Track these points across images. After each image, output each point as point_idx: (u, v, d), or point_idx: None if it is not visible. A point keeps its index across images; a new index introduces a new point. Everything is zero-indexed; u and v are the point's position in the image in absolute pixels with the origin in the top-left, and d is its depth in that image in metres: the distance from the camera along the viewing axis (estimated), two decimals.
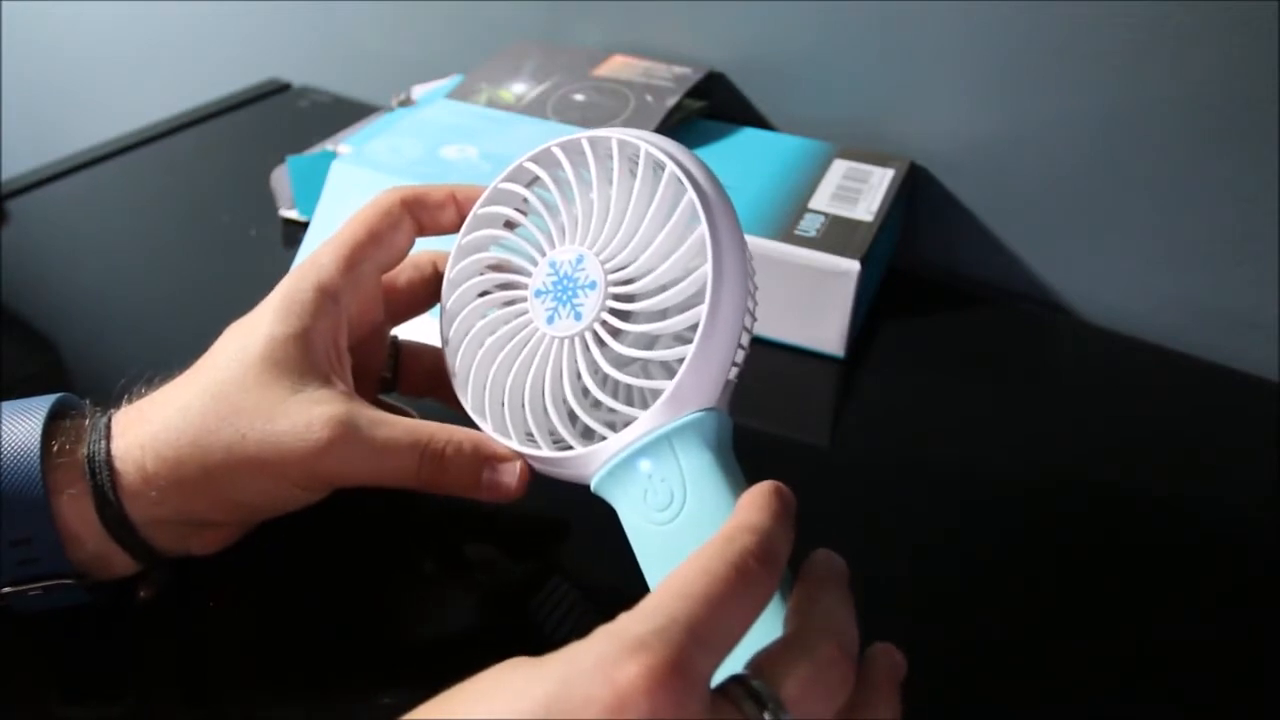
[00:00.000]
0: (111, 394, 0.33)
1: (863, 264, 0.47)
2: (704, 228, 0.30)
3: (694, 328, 0.29)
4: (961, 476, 0.43)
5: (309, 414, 0.30)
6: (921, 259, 0.60)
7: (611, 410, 0.31)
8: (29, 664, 0.33)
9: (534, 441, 0.32)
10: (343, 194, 0.53)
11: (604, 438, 0.30)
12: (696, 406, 0.29)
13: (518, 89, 0.60)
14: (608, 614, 0.23)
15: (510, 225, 0.34)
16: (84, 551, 0.31)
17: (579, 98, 0.58)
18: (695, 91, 0.59)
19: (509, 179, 0.34)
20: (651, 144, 0.31)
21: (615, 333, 0.31)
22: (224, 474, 0.30)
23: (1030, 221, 0.56)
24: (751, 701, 0.22)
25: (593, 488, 0.31)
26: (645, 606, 0.22)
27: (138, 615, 0.34)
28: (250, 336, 0.32)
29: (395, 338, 0.39)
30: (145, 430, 0.31)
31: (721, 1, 0.60)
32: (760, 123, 0.62)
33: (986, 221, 0.58)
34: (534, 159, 0.33)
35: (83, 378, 0.47)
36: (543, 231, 0.33)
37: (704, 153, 0.56)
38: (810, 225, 0.50)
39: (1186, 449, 0.45)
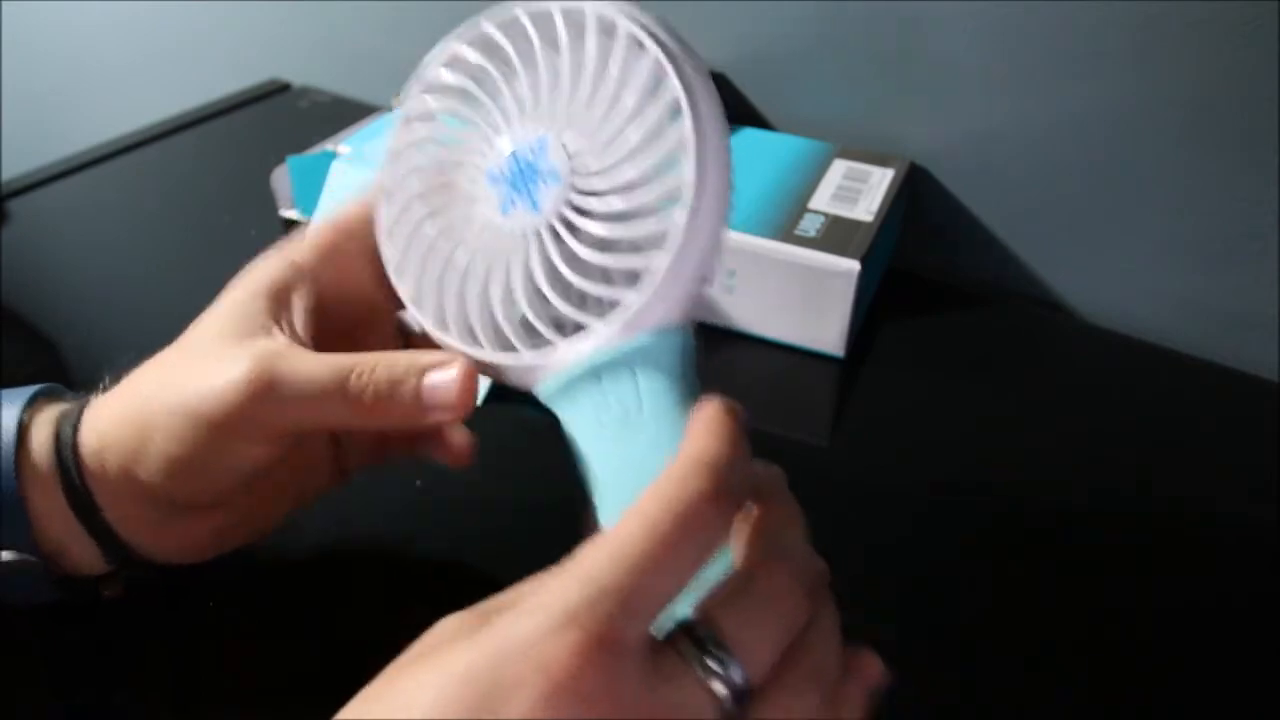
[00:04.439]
0: (102, 385, 0.33)
1: (863, 264, 0.47)
2: (687, 125, 0.26)
3: (665, 236, 0.26)
4: (961, 476, 0.43)
5: (236, 356, 0.29)
6: (921, 259, 0.60)
7: (565, 317, 0.27)
8: (13, 668, 0.33)
9: (477, 341, 0.29)
10: (343, 194, 0.52)
11: (553, 344, 0.27)
12: (661, 323, 0.27)
13: None
14: None
15: (464, 94, 0.29)
16: (50, 535, 0.30)
17: None
18: None
19: (465, 42, 0.29)
20: (632, 20, 0.27)
21: (575, 230, 0.27)
22: (159, 427, 0.29)
23: (1030, 221, 0.56)
24: (695, 648, 0.21)
25: (539, 397, 0.28)
26: (580, 569, 0.21)
27: (119, 618, 0.33)
28: (214, 304, 0.32)
29: (403, 323, 0.36)
30: (105, 405, 0.31)
31: (721, 1, 0.60)
32: (760, 123, 0.62)
33: (986, 221, 0.58)
34: (498, 25, 0.29)
35: (83, 378, 0.47)
36: (500, 106, 0.28)
37: None
38: (810, 225, 0.50)
39: (1186, 449, 0.45)
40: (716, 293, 0.51)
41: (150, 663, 0.34)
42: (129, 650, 0.34)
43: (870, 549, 0.39)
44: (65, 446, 0.30)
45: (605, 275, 0.28)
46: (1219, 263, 0.52)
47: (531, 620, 0.20)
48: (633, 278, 0.27)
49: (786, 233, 0.49)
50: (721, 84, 0.62)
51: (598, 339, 0.26)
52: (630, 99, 0.27)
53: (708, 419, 0.24)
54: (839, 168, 0.55)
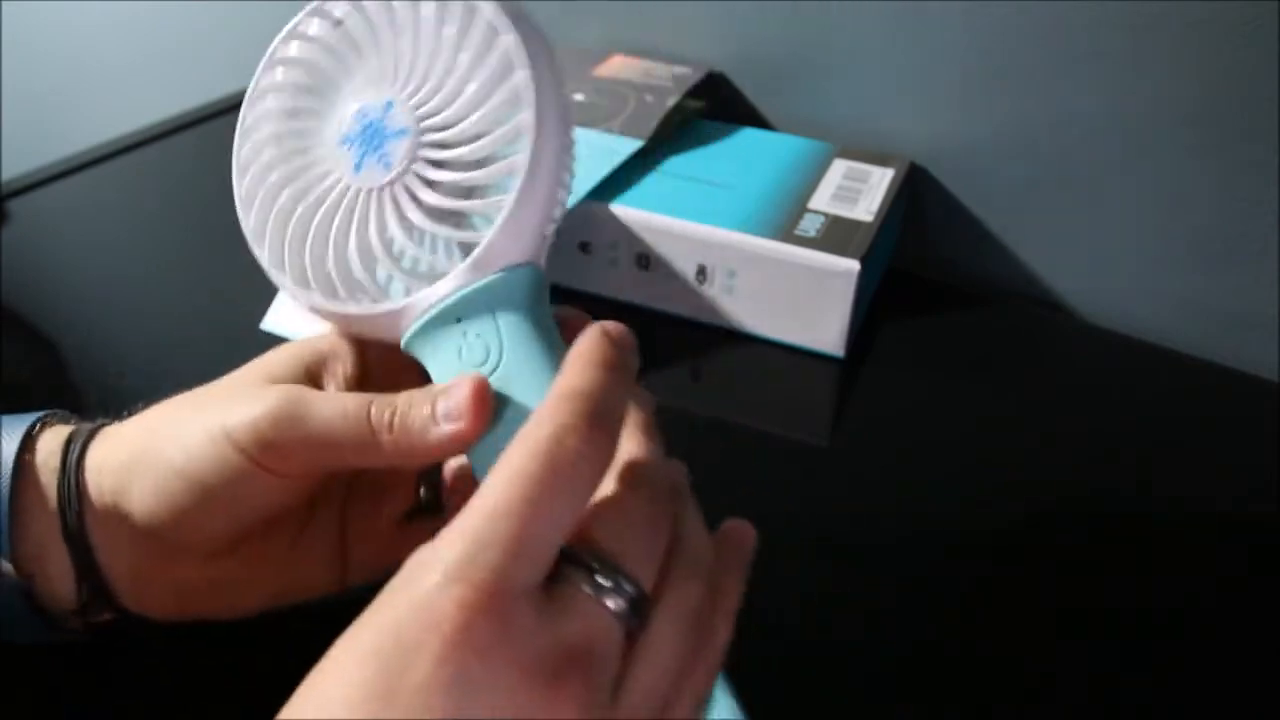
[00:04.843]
0: (109, 391, 0.33)
1: (863, 264, 0.47)
2: (522, 74, 0.28)
3: (511, 178, 0.28)
4: (961, 476, 0.43)
5: (265, 391, 0.29)
6: (921, 259, 0.60)
7: (422, 264, 0.29)
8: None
9: (338, 296, 0.30)
10: None
11: (411, 290, 0.29)
12: (513, 260, 0.28)
13: None
14: None
15: (310, 65, 0.31)
16: (29, 549, 0.29)
17: (579, 98, 0.58)
18: (695, 91, 0.59)
19: (309, 14, 0.31)
20: None
21: (426, 183, 0.29)
22: (175, 439, 0.29)
23: (1030, 221, 0.56)
24: (583, 572, 0.22)
25: (403, 345, 0.29)
26: (460, 524, 0.21)
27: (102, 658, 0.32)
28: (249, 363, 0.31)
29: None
30: (123, 425, 0.31)
31: (721, 1, 0.60)
32: (760, 123, 0.62)
33: (986, 221, 0.58)
34: None
35: (83, 378, 0.47)
36: (348, 75, 0.30)
37: (704, 153, 0.57)
38: (810, 225, 0.50)
39: (1186, 449, 0.45)
40: (716, 293, 0.51)
41: (148, 664, 0.33)
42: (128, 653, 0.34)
43: (870, 549, 0.39)
44: (73, 450, 0.30)
45: (457, 221, 0.29)
46: (1219, 263, 0.52)
47: (420, 584, 0.20)
48: (483, 221, 0.29)
49: (786, 233, 0.49)
50: (721, 84, 0.62)
51: (454, 281, 0.28)
52: (468, 55, 0.29)
53: (582, 347, 0.24)
54: (839, 168, 0.55)
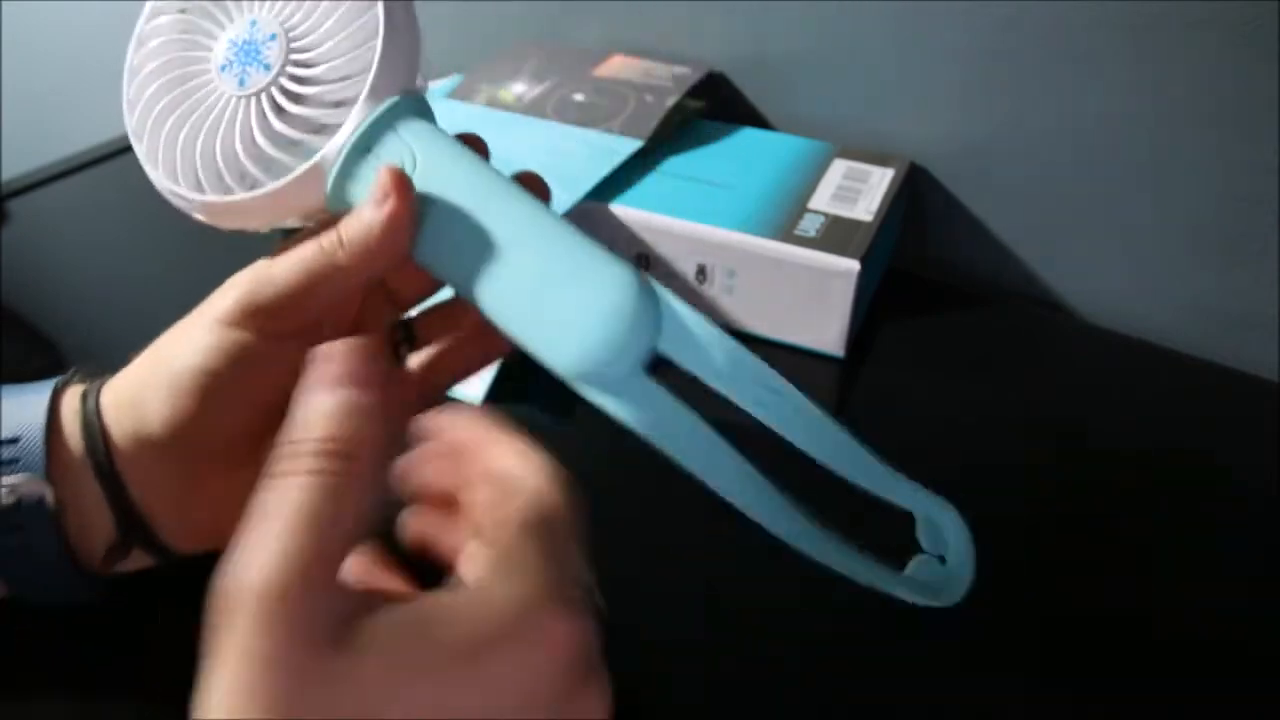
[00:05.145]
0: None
1: (862, 264, 0.47)
2: None
3: (378, 24, 0.31)
4: (961, 477, 0.43)
5: (231, 281, 0.32)
6: (921, 259, 0.60)
7: (322, 123, 0.32)
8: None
9: (261, 182, 0.32)
10: None
11: (320, 144, 0.31)
12: (399, 86, 0.31)
13: (518, 89, 0.60)
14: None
15: (186, 8, 0.34)
16: (65, 487, 0.31)
17: (579, 98, 0.58)
18: (695, 91, 0.59)
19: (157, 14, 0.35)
20: None
21: (307, 64, 0.32)
22: (162, 348, 0.32)
23: (1030, 221, 0.56)
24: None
25: (329, 195, 0.31)
26: (243, 550, 0.22)
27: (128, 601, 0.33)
28: None
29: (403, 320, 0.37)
30: (124, 370, 0.33)
31: (721, 1, 0.60)
32: (760, 123, 0.62)
33: (986, 221, 0.58)
34: None
35: None
36: (218, 15, 0.34)
37: (704, 153, 0.57)
38: (810, 225, 0.50)
39: (1186, 449, 0.45)
40: (716, 293, 0.51)
41: (149, 663, 0.33)
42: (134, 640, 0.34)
43: (869, 549, 0.39)
44: (89, 399, 0.32)
45: (344, 82, 0.32)
46: (1219, 263, 0.52)
47: (225, 629, 0.21)
48: (367, 64, 0.32)
49: (786, 233, 0.49)
50: (721, 84, 0.62)
51: (354, 119, 0.31)
52: None
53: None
54: (839, 168, 0.55)
